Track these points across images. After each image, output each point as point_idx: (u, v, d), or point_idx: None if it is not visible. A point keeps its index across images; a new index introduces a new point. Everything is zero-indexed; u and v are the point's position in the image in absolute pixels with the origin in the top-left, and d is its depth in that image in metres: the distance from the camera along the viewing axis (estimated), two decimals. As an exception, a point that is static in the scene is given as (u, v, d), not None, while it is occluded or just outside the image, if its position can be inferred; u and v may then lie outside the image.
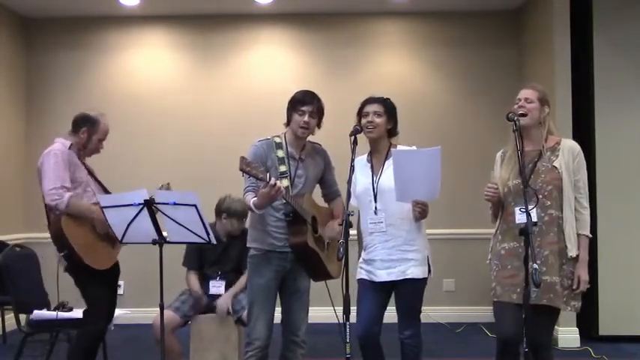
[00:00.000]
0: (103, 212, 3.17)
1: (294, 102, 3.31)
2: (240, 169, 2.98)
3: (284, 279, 3.32)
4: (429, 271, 3.24)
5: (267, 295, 3.28)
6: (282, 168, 3.24)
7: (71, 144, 3.59)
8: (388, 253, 3.18)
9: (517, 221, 3.04)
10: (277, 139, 3.34)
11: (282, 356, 3.41)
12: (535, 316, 2.87)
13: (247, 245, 3.35)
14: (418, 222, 3.21)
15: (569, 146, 3.15)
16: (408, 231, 3.19)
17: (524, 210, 2.87)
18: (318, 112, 3.33)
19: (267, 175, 3.04)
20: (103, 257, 3.54)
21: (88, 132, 3.62)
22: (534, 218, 2.93)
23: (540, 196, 3.05)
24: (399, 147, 3.28)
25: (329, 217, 3.49)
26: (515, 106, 3.14)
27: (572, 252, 3.08)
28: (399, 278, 3.16)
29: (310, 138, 3.43)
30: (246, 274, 3.44)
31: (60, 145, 3.58)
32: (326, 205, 3.57)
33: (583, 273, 3.09)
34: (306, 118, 3.27)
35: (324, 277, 3.41)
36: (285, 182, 3.21)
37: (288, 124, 3.36)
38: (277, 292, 3.35)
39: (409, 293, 3.20)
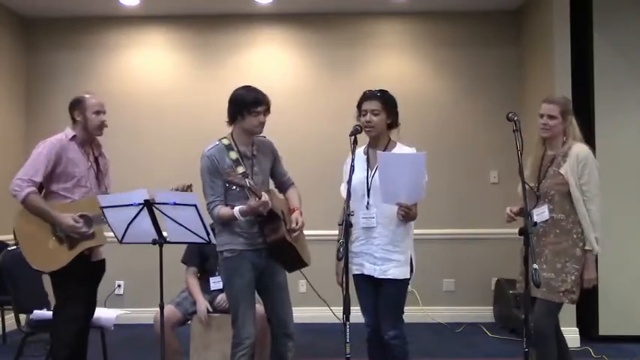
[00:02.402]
0: (103, 212, 3.16)
1: (247, 104, 3.24)
2: (226, 181, 3.13)
3: (261, 275, 3.31)
4: (412, 270, 3.22)
5: (250, 294, 3.28)
6: (240, 169, 3.20)
7: (74, 135, 3.55)
8: (373, 249, 3.18)
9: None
10: (225, 141, 3.29)
11: (275, 351, 3.38)
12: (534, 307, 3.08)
13: (218, 250, 3.30)
14: (407, 223, 3.19)
15: (577, 152, 3.35)
16: (394, 232, 3.17)
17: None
18: (269, 107, 3.32)
19: (247, 181, 3.11)
20: (48, 259, 3.42)
21: (81, 112, 3.57)
22: (546, 217, 3.23)
23: (547, 199, 3.30)
24: (399, 145, 3.28)
25: (287, 207, 3.46)
26: (540, 125, 3.38)
27: (587, 246, 3.28)
28: (379, 276, 3.16)
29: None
30: (223, 276, 3.38)
31: (61, 134, 3.55)
32: (281, 195, 3.54)
33: (585, 272, 3.29)
34: (262, 118, 3.27)
35: (300, 266, 3.41)
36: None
37: (232, 123, 3.31)
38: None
39: (389, 293, 3.19)
